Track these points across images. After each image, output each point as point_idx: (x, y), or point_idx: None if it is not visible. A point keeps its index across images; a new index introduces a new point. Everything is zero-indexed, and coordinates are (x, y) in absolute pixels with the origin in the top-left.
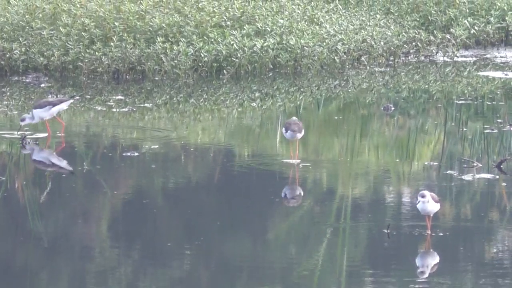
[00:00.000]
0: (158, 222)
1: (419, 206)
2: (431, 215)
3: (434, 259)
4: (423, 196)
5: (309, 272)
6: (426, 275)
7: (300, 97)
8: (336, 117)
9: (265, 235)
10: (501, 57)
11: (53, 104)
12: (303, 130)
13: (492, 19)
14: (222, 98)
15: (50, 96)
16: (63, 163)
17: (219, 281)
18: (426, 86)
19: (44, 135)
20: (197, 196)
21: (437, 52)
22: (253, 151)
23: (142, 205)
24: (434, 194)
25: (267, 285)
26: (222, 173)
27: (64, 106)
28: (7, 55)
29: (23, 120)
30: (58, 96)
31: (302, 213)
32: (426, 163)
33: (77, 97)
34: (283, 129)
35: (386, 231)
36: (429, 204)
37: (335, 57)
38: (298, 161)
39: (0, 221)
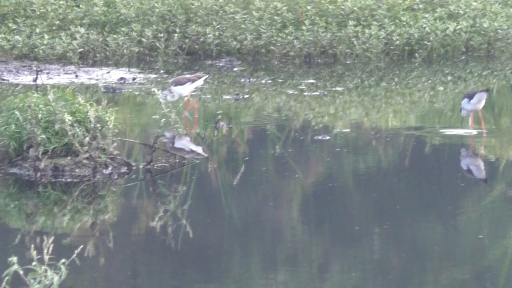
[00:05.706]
0: (347, 205)
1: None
2: None
3: None
4: None
5: (500, 257)
6: None
7: (494, 81)
8: None
9: (455, 218)
10: None
11: (192, 81)
12: None
13: None
14: (413, 81)
15: (186, 73)
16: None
17: (409, 264)
18: None
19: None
20: (387, 179)
21: None
22: (443, 135)
23: (331, 189)
24: None
25: (458, 269)
26: (413, 156)
27: (200, 82)
28: (201, 39)
29: (164, 98)
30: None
31: (495, 193)
32: None
33: (207, 75)
34: (466, 99)
35: None
36: None
37: None
38: (485, 131)
39: (196, 201)
